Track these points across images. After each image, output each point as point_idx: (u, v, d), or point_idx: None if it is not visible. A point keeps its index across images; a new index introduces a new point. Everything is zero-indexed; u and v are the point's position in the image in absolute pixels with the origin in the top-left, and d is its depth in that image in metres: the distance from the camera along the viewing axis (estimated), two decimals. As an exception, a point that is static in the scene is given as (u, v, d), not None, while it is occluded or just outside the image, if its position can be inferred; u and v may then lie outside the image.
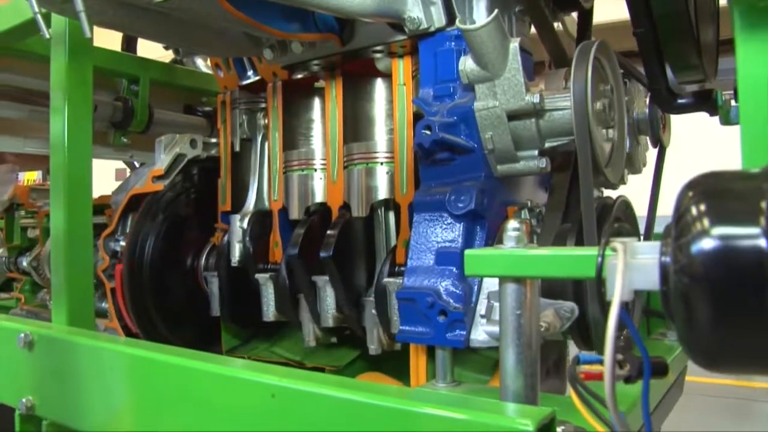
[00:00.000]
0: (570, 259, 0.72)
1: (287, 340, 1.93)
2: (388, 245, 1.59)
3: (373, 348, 1.57)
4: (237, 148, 1.88)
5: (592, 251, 0.64)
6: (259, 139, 1.86)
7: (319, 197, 1.72)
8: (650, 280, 0.60)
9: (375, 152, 1.59)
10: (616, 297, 0.57)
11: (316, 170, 1.73)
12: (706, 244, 0.54)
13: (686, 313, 0.55)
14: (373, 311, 1.54)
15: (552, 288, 1.20)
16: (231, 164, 1.90)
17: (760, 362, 0.54)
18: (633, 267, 0.61)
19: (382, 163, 1.58)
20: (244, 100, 1.88)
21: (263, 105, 1.86)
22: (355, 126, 1.69)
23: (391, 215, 1.60)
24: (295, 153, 1.76)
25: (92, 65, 1.80)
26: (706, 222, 0.55)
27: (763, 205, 0.52)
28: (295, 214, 1.74)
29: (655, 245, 0.61)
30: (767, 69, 0.71)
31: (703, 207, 0.55)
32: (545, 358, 1.50)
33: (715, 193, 0.56)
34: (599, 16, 1.77)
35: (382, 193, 1.58)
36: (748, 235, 0.52)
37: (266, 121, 1.83)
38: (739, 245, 0.52)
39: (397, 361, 1.61)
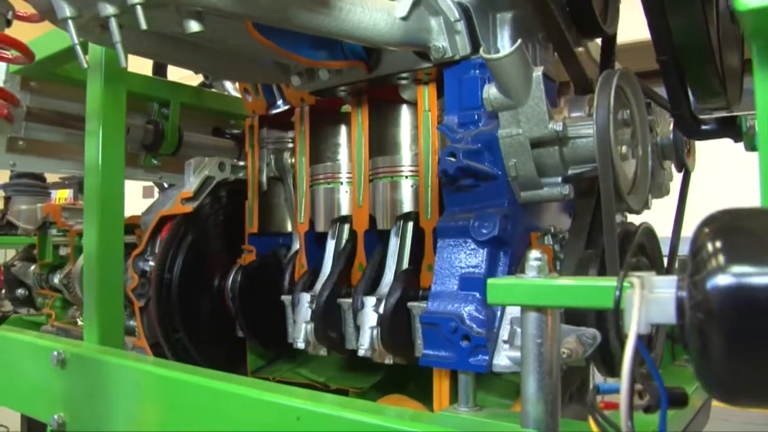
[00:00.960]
0: (590, 290, 0.74)
1: (312, 361, 1.96)
2: (402, 255, 1.61)
3: (364, 349, 1.54)
4: (265, 188, 1.94)
5: (611, 283, 0.66)
6: (289, 179, 1.90)
7: (345, 210, 1.75)
8: (667, 314, 0.61)
9: (400, 166, 1.63)
10: (633, 333, 0.59)
11: (342, 183, 1.77)
12: (721, 281, 0.55)
13: (701, 347, 0.56)
14: (372, 308, 1.54)
15: (573, 313, 1.21)
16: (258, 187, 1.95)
17: (772, 397, 0.55)
18: (650, 301, 0.62)
19: (407, 177, 1.61)
20: (272, 140, 1.93)
21: (290, 145, 1.91)
22: (381, 151, 1.72)
23: (410, 226, 1.61)
24: (321, 167, 1.80)
25: (126, 91, 1.85)
26: (721, 259, 0.56)
27: (777, 242, 0.54)
28: (321, 226, 1.78)
29: (671, 280, 0.62)
30: (786, 104, 0.72)
31: (718, 244, 0.57)
32: (568, 384, 1.50)
33: (731, 230, 0.58)
34: (626, 36, 1.78)
35: (407, 206, 1.61)
36: (761, 272, 0.53)
37: (293, 160, 1.88)
38: (752, 283, 0.54)
39: (421, 383, 1.62)
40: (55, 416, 1.54)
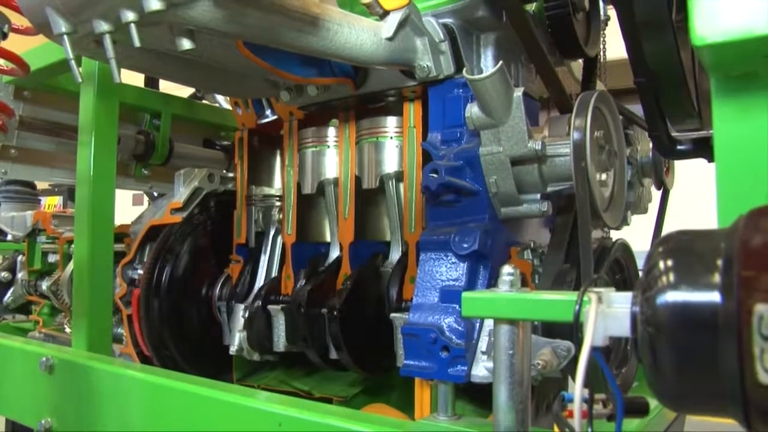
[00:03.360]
0: (554, 304, 0.78)
1: (297, 370, 1.99)
2: (397, 217, 1.64)
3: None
4: (252, 245, 1.97)
5: (573, 297, 0.70)
6: (272, 232, 1.95)
7: (331, 173, 1.78)
8: (623, 328, 0.66)
9: (384, 127, 1.67)
10: (587, 345, 0.63)
11: (329, 147, 1.80)
12: (669, 297, 0.60)
13: (651, 359, 0.61)
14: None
15: (553, 326, 1.25)
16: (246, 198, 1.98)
17: (715, 405, 0.59)
18: (608, 315, 0.67)
19: (391, 137, 1.66)
20: (260, 198, 1.99)
21: (278, 204, 1.96)
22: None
23: (401, 186, 1.64)
24: (310, 131, 1.82)
25: (119, 102, 1.89)
26: (670, 277, 0.61)
27: (719, 262, 0.58)
28: (308, 188, 1.81)
29: (628, 296, 0.67)
30: (742, 132, 0.77)
31: (669, 263, 0.61)
32: (545, 394, 1.54)
33: (680, 250, 0.62)
34: (617, 53, 1.83)
35: (392, 166, 1.65)
36: (704, 290, 0.58)
37: (281, 216, 1.92)
38: (696, 299, 0.58)
39: (404, 393, 1.65)
40: (42, 421, 1.56)
